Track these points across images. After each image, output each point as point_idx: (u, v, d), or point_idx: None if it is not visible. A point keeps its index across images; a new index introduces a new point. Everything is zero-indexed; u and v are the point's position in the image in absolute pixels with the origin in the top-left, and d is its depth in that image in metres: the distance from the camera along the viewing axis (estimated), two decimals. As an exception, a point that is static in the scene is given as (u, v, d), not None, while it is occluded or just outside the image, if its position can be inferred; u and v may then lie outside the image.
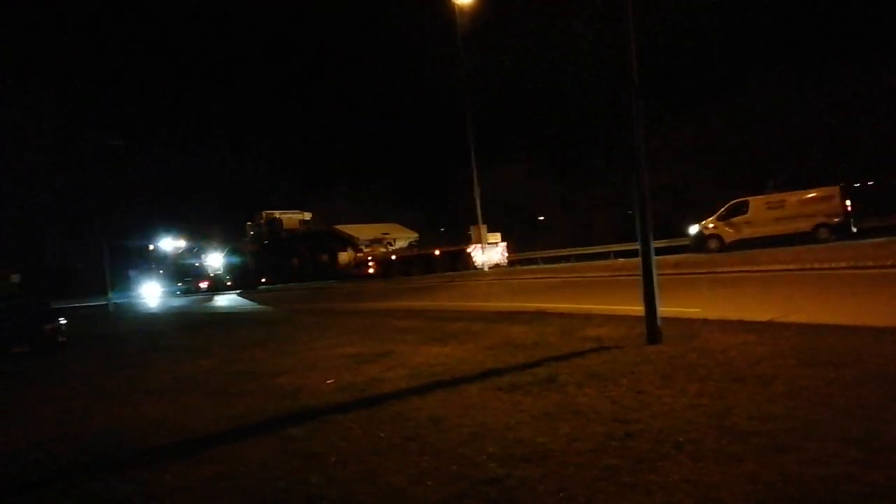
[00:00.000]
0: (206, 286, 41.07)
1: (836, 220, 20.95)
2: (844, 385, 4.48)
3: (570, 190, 50.76)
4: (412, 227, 36.75)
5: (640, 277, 6.89)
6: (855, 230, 21.04)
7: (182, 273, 43.81)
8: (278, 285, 35.80)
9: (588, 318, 9.25)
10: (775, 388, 4.56)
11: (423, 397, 5.39)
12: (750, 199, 22.59)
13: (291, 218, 38.25)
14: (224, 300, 29.51)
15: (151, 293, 35.40)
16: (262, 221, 38.23)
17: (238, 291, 35.36)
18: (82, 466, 4.46)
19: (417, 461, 3.81)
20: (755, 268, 14.29)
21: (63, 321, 13.61)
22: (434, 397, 5.36)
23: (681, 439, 3.68)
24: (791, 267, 13.51)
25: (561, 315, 9.98)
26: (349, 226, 34.25)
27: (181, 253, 45.90)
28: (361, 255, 32.11)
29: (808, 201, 21.61)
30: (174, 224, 46.20)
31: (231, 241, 42.21)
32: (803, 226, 21.41)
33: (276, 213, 38.15)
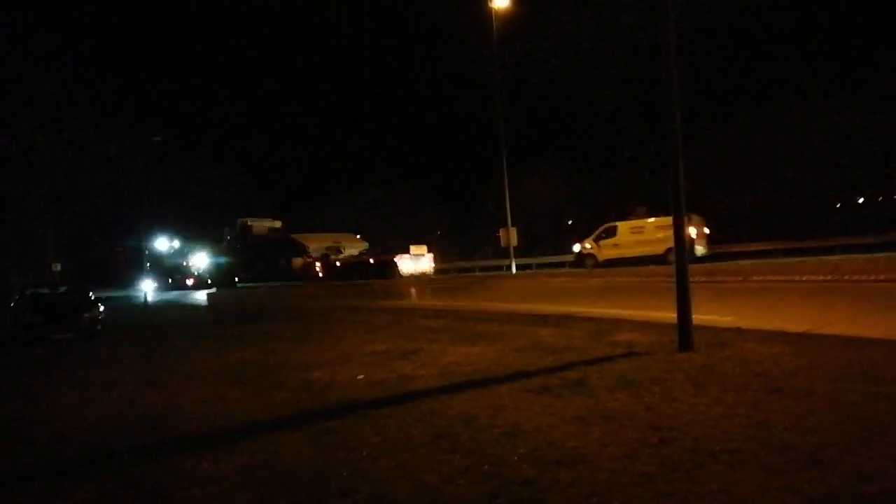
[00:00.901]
0: (190, 283, 45.36)
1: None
2: (888, 400, 4.37)
3: (601, 193, 50.29)
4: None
5: (674, 284, 6.81)
6: (700, 254, 22.66)
7: (171, 271, 49.41)
8: (249, 284, 40.41)
9: (617, 322, 9.18)
10: (814, 400, 4.48)
11: (453, 396, 5.42)
12: (618, 223, 25.58)
13: (261, 225, 43.00)
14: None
15: (147, 288, 37.80)
16: (237, 227, 43.38)
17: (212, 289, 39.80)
18: (124, 451, 4.58)
19: (449, 459, 3.83)
20: (790, 277, 14.01)
21: (101, 310, 13.98)
22: (464, 396, 5.38)
23: (717, 449, 3.63)
24: (828, 278, 13.21)
25: (589, 319, 9.92)
26: (304, 234, 39.21)
27: (172, 253, 51.02)
28: (311, 260, 36.40)
29: (662, 227, 22.88)
30: (166, 225, 49.92)
31: (212, 244, 46.67)
32: (658, 249, 23.13)
33: (248, 221, 42.97)
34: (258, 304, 23.17)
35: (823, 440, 3.66)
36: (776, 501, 2.92)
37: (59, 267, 32.38)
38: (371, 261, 32.73)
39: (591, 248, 26.03)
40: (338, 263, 34.63)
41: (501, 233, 28.70)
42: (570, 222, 55.59)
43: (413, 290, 23.14)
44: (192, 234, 50.68)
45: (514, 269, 27.61)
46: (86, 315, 13.61)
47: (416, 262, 31.72)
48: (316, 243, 36.52)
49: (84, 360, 10.11)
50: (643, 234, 24.60)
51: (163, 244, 50.11)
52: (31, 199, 24.33)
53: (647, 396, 4.93)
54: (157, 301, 32.08)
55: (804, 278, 13.65)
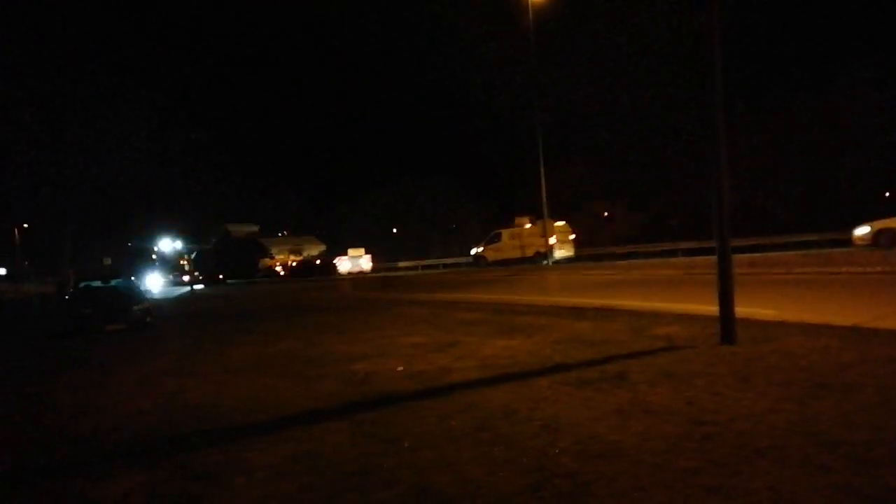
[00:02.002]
0: (187, 279, 49.34)
1: (544, 249, 27.60)
2: (943, 397, 4.23)
3: (639, 185, 49.59)
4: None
5: (717, 275, 6.68)
6: (562, 257, 28.78)
7: (172, 268, 55.73)
8: (230, 281, 46.87)
9: (656, 316, 9.05)
10: (865, 396, 4.35)
11: (492, 388, 5.43)
12: (502, 230, 31.24)
13: (240, 230, 50.65)
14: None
15: (155, 284, 41.55)
16: (221, 231, 52.02)
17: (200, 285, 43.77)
18: (172, 439, 4.74)
19: (490, 451, 3.85)
20: (836, 269, 13.59)
21: (150, 302, 14.43)
22: (503, 389, 5.39)
23: (763, 445, 3.57)
24: (877, 269, 12.78)
25: (628, 312, 9.80)
26: (270, 238, 47.53)
27: (174, 253, 56.63)
28: (272, 262, 44.36)
29: (534, 234, 28.86)
30: (170, 226, 54.32)
31: (202, 245, 54.33)
32: (529, 252, 29.16)
33: (229, 226, 50.66)
34: (284, 298, 23.54)
35: (876, 437, 3.56)
36: (827, 500, 2.85)
37: (109, 261, 33.90)
38: (318, 262, 40.24)
39: (483, 251, 32.04)
40: (293, 264, 41.56)
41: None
42: (605, 214, 55.01)
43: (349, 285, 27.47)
44: (188, 234, 55.97)
45: (549, 261, 27.54)
46: (136, 307, 14.07)
47: (353, 262, 38.53)
48: (278, 247, 44.33)
49: (133, 351, 10.45)
50: (521, 239, 29.70)
51: (167, 244, 54.71)
52: (78, 194, 25.21)
53: (689, 390, 4.86)
54: (180, 295, 33.58)
55: (851, 270, 13.23)
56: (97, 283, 17.03)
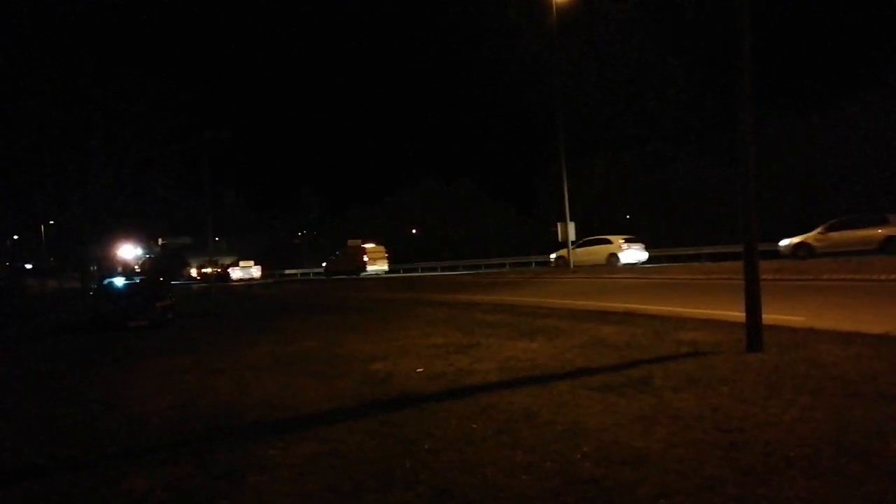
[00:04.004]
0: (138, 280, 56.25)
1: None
2: (980, 409, 4.10)
3: (661, 188, 49.10)
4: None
5: (743, 280, 6.56)
6: (376, 272, 38.95)
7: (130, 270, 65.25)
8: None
9: (680, 321, 8.93)
10: (898, 406, 4.24)
11: (513, 391, 5.39)
12: (365, 246, 40.67)
13: (174, 242, 59.82)
14: None
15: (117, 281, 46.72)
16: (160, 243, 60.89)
17: None
18: (195, 436, 4.78)
19: (511, 455, 3.82)
20: (867, 276, 13.30)
21: (173, 298, 14.63)
22: (524, 392, 5.35)
23: (792, 454, 3.49)
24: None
25: (651, 317, 9.70)
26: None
27: (134, 257, 63.91)
28: (195, 269, 53.79)
29: (358, 251, 40.62)
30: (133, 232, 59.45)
31: (149, 252, 60.91)
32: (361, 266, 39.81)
33: (162, 239, 59.58)
34: (298, 297, 23.70)
35: (910, 449, 3.46)
36: (859, 511, 2.78)
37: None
38: (220, 271, 48.16)
39: (327, 264, 44.14)
40: (205, 271, 49.52)
41: (559, 227, 28.41)
42: (627, 216, 54.48)
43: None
44: (147, 243, 62.51)
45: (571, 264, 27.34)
46: (159, 304, 14.26)
47: (245, 271, 49.28)
48: (197, 259, 52.05)
49: (156, 347, 10.59)
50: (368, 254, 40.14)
51: (128, 251, 58.63)
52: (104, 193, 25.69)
53: (715, 397, 4.78)
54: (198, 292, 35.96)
55: (882, 277, 12.93)
56: (122, 280, 17.32)
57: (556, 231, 28.12)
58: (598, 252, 28.35)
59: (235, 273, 48.90)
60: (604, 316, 10.15)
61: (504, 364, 6.68)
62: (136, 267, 58.99)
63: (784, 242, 21.95)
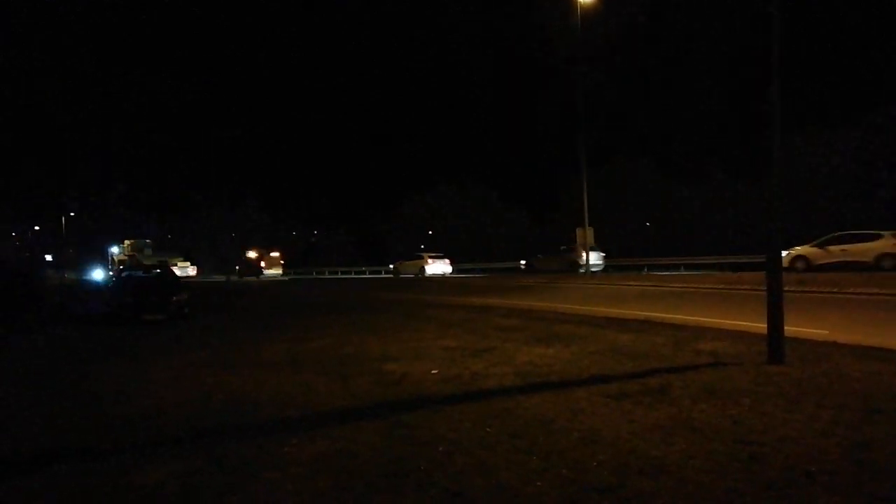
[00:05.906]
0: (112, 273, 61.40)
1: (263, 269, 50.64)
2: None
3: (679, 196, 48.65)
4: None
5: (766, 292, 6.45)
6: (273, 276, 49.97)
7: (110, 265, 66.28)
8: None
9: (700, 330, 8.81)
10: (924, 424, 4.13)
11: (528, 397, 5.34)
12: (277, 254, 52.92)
13: (136, 242, 64.10)
14: None
15: (98, 274, 49.34)
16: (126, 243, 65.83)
17: None
18: (209, 430, 4.80)
19: (526, 460, 3.78)
20: (892, 291, 13.03)
21: (187, 294, 14.73)
22: (540, 398, 5.30)
23: (813, 469, 3.41)
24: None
25: (671, 325, 9.58)
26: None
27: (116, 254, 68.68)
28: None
29: (275, 257, 53.06)
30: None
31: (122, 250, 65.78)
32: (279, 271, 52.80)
33: (127, 241, 64.56)
34: (300, 295, 23.77)
35: (937, 468, 3.37)
36: (884, 531, 2.70)
37: (150, 252, 35.54)
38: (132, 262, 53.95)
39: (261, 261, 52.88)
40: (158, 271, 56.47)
41: (578, 232, 28.35)
42: (647, 224, 54.06)
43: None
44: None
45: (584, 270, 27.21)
46: (174, 298, 14.37)
47: (182, 270, 53.11)
48: (149, 259, 54.54)
49: (171, 341, 10.66)
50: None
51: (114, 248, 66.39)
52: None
53: (735, 409, 4.69)
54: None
55: (908, 292, 12.66)
56: (139, 274, 17.49)
57: (576, 236, 28.24)
58: (415, 265, 37.46)
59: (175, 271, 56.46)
60: (621, 323, 10.04)
61: (520, 369, 6.63)
62: (117, 260, 63.57)
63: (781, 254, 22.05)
